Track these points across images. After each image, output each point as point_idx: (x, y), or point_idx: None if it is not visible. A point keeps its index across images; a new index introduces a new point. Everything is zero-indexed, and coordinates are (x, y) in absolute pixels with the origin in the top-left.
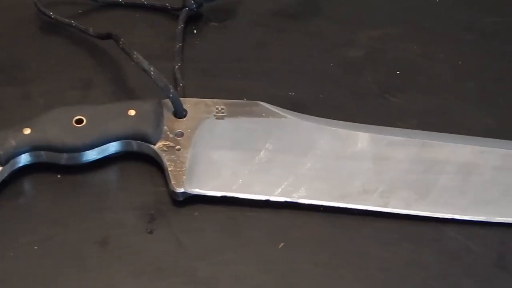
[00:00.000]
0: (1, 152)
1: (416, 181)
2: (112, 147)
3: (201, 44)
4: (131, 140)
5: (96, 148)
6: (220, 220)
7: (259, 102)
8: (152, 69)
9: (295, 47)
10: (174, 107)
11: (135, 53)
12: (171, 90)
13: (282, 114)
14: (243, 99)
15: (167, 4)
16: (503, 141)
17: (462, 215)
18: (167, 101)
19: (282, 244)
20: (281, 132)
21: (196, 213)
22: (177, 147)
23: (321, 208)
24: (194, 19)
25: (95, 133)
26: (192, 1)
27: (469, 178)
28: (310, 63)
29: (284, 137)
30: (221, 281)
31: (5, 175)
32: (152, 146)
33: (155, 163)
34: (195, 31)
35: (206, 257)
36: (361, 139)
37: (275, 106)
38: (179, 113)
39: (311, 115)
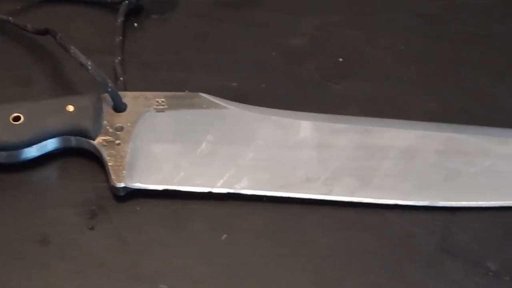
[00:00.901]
0: None
1: (359, 168)
2: (51, 144)
3: (142, 37)
4: (70, 136)
5: (35, 145)
6: (162, 214)
7: (200, 93)
8: (89, 63)
9: (237, 37)
10: (113, 101)
11: (72, 47)
12: (109, 84)
13: (224, 105)
14: (185, 91)
15: None
16: (445, 124)
17: (406, 200)
18: (107, 96)
19: (225, 235)
20: (222, 123)
21: (138, 208)
22: (117, 141)
23: (264, 198)
24: (135, 12)
25: (33, 130)
26: None
27: (412, 163)
28: (252, 53)
29: (226, 128)
30: (164, 275)
31: None
32: (92, 141)
33: (95, 159)
34: (135, 24)
35: (149, 252)
36: (304, 128)
37: (216, 97)
38: (119, 107)
39: (253, 105)
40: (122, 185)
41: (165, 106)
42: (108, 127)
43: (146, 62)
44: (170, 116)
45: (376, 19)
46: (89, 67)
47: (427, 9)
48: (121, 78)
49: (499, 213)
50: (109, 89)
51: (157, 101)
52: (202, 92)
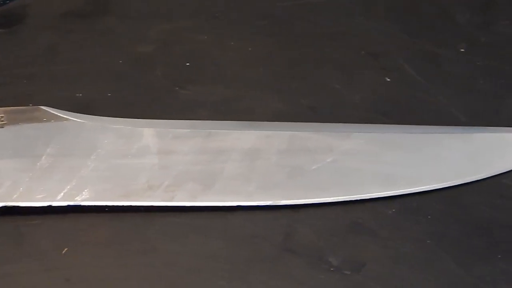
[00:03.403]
0: None
1: (201, 172)
2: None
3: None
4: None
5: None
6: (2, 231)
7: (40, 107)
8: None
9: (85, 47)
10: None
11: None
12: None
13: (64, 117)
14: (29, 105)
15: None
16: (289, 123)
17: (249, 201)
18: None
19: (66, 249)
20: (63, 135)
21: None
22: None
23: (106, 209)
24: None
25: None
26: None
27: (254, 164)
28: (98, 62)
29: (67, 141)
30: None
31: None
32: None
33: None
34: None
35: None
36: (146, 135)
37: (58, 110)
38: None
39: (98, 115)
40: None
41: (5, 122)
42: None
43: None
44: (9, 131)
45: (223, 23)
46: None
47: (273, 10)
48: None
49: (342, 208)
50: None
51: None
52: (47, 105)
